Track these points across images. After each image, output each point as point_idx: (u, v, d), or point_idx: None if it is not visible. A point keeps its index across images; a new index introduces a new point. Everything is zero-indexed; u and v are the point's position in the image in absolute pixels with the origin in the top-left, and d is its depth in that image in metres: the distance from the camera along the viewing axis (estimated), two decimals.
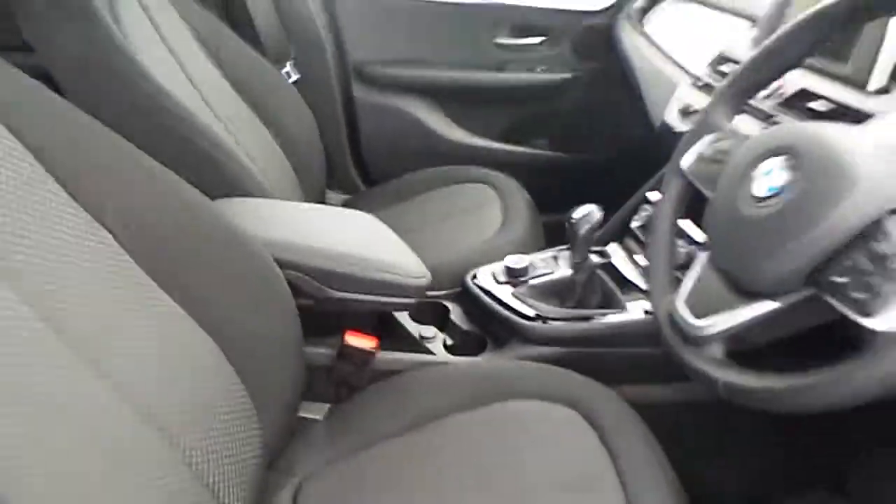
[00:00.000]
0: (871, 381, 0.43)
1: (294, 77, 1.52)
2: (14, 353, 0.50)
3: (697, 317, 0.58)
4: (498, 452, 0.77)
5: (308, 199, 1.38)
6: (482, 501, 0.71)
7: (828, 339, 0.52)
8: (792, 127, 0.56)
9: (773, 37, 0.67)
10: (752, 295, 0.54)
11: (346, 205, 1.57)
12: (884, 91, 0.78)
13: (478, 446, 0.78)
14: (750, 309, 0.54)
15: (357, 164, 1.76)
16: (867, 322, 0.44)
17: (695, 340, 0.58)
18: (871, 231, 0.46)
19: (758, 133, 0.64)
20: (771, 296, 0.53)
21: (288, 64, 1.52)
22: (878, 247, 0.46)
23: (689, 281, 0.63)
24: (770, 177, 0.53)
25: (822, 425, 1.04)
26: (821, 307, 0.49)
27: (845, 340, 0.48)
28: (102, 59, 0.99)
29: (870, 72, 0.78)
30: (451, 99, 1.74)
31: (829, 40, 0.67)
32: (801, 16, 0.65)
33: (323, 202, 1.52)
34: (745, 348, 0.58)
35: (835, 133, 0.53)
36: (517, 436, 0.79)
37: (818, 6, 0.63)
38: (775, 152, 0.54)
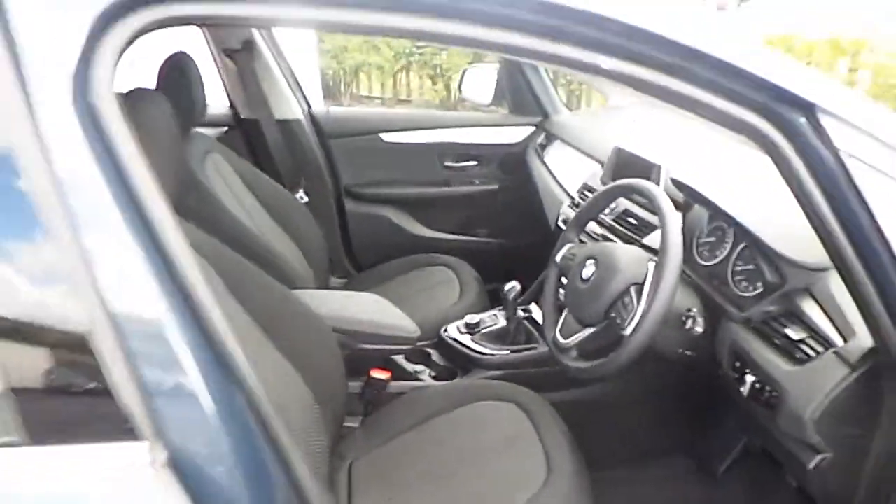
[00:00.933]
0: (622, 358, 1.02)
1: (305, 199, 2.04)
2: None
3: (564, 338, 1.18)
4: (469, 431, 1.26)
5: (318, 283, 1.85)
6: (462, 455, 1.19)
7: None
8: (597, 245, 1.18)
9: (595, 194, 1.30)
10: (584, 325, 1.14)
11: (345, 287, 2.06)
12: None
13: (457, 429, 1.27)
14: (584, 332, 1.14)
15: (349, 257, 2.23)
16: (622, 332, 1.04)
17: (563, 350, 1.17)
18: (623, 294, 1.07)
19: (588, 244, 1.26)
20: (591, 325, 1.12)
21: (300, 190, 2.05)
22: (625, 301, 1.06)
23: (561, 319, 1.23)
24: (587, 269, 1.14)
25: (675, 412, 1.60)
26: (611, 329, 1.09)
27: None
28: (202, 205, 1.52)
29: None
30: (415, 206, 2.24)
31: (626, 194, 1.31)
32: (608, 185, 1.28)
33: (328, 284, 2.01)
34: (587, 352, 1.16)
35: (612, 248, 1.14)
36: (480, 422, 1.28)
37: (613, 183, 1.26)
38: (589, 258, 1.15)
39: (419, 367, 1.57)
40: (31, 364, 0.59)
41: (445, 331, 1.62)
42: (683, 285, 1.12)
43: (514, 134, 2.22)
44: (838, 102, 0.69)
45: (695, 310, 1.06)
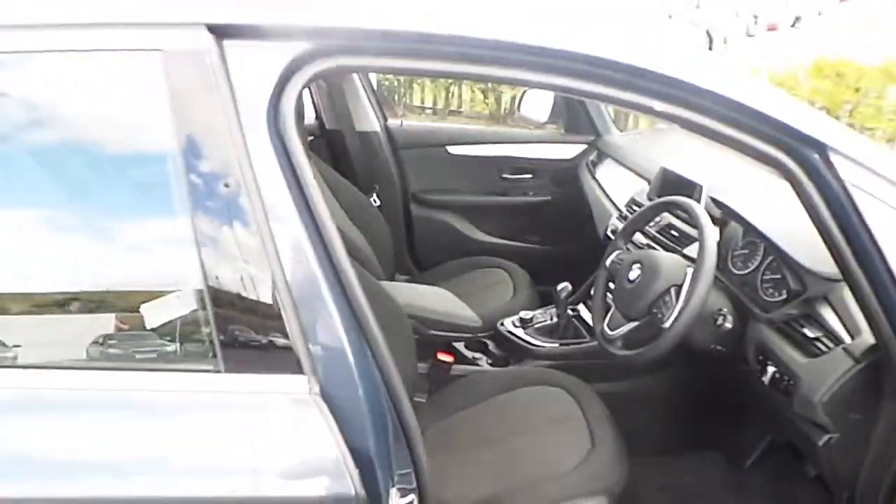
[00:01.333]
0: (661, 347, 1.20)
1: (377, 203, 2.28)
2: None
3: (611, 330, 1.37)
4: (522, 409, 1.45)
5: (385, 278, 2.03)
6: (515, 429, 1.37)
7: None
8: (642, 252, 1.37)
9: (641, 209, 1.49)
10: (629, 319, 1.33)
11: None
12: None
13: (512, 407, 1.45)
14: (629, 325, 1.32)
15: (413, 256, 2.46)
16: (662, 325, 1.23)
17: (610, 341, 1.36)
18: (664, 293, 1.25)
19: (633, 251, 1.45)
20: (635, 320, 1.31)
21: (374, 194, 2.28)
22: (665, 299, 1.25)
23: (609, 315, 1.42)
24: (633, 272, 1.33)
25: (706, 410, 1.75)
26: (653, 322, 1.27)
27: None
28: None
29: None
30: (474, 213, 2.45)
31: (671, 209, 1.49)
32: (654, 201, 1.47)
33: (394, 280, 2.19)
34: (631, 342, 1.34)
35: (656, 255, 1.33)
36: (532, 402, 1.46)
37: (659, 199, 1.45)
38: (635, 262, 1.34)
39: (477, 355, 1.77)
40: (227, 317, 0.82)
41: (502, 324, 1.81)
42: (716, 289, 1.30)
43: (567, 151, 2.41)
44: (844, 142, 0.87)
45: (725, 309, 1.25)
